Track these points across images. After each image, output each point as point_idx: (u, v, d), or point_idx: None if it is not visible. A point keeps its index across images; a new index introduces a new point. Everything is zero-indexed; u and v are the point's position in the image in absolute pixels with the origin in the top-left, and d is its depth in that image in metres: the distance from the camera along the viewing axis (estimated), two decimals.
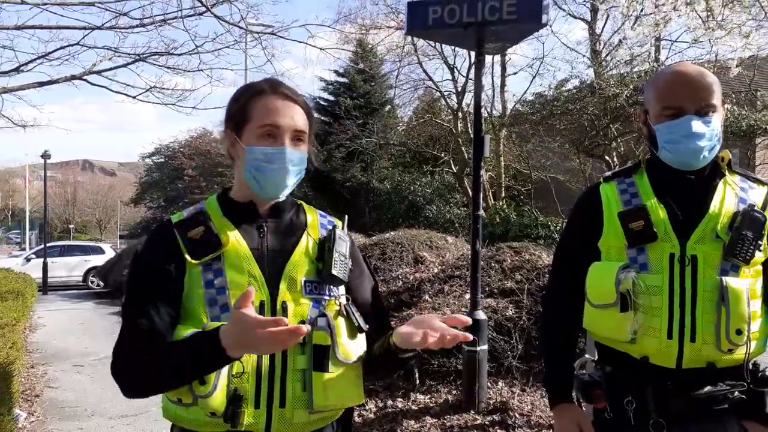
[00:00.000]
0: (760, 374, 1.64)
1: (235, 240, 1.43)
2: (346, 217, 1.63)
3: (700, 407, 1.60)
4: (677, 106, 1.62)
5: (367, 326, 1.46)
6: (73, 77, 8.63)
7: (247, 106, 1.46)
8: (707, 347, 1.58)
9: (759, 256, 1.62)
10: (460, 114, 16.51)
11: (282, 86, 1.49)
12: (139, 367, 1.36)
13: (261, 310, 1.38)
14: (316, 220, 1.55)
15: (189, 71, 8.91)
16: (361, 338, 1.47)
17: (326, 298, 1.45)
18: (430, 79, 18.04)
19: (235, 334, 1.21)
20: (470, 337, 1.34)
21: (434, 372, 5.16)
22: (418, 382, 5.09)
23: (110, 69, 8.87)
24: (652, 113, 1.69)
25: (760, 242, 1.61)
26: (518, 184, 18.54)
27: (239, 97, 1.50)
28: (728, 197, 1.65)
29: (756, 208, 1.63)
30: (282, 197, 1.49)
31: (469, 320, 1.37)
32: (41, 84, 8.65)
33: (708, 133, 1.61)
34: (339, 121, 19.57)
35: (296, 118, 1.46)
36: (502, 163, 17.03)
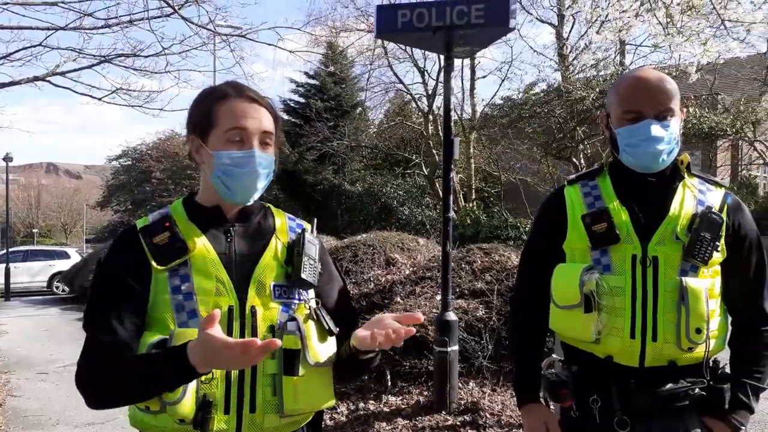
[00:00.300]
0: (719, 371, 1.69)
1: (201, 245, 1.41)
2: (315, 220, 1.62)
3: (663, 404, 1.64)
4: (637, 110, 1.66)
5: (338, 329, 1.46)
6: (36, 78, 8.42)
7: (212, 111, 1.44)
8: (668, 346, 1.61)
9: (717, 257, 1.66)
10: (430, 117, 16.61)
11: (246, 89, 1.47)
12: (105, 379, 1.34)
13: (230, 315, 1.37)
14: (284, 224, 1.54)
15: (156, 73, 8.77)
16: (332, 341, 1.47)
17: (296, 302, 1.44)
18: (401, 82, 18.11)
19: (203, 354, 1.21)
20: (413, 331, 1.35)
21: (406, 373, 5.18)
22: (389, 383, 5.10)
23: (74, 70, 8.68)
24: (614, 117, 1.73)
25: (717, 243, 1.65)
26: (488, 186, 18.73)
27: (202, 101, 1.48)
28: (687, 199, 1.69)
29: (713, 210, 1.67)
30: (251, 201, 1.48)
31: (421, 317, 1.38)
32: (3, 85, 8.42)
33: (667, 136, 1.65)
34: (310, 123, 19.49)
35: (263, 120, 1.45)
36: (473, 166, 17.17)
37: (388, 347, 1.36)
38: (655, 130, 1.64)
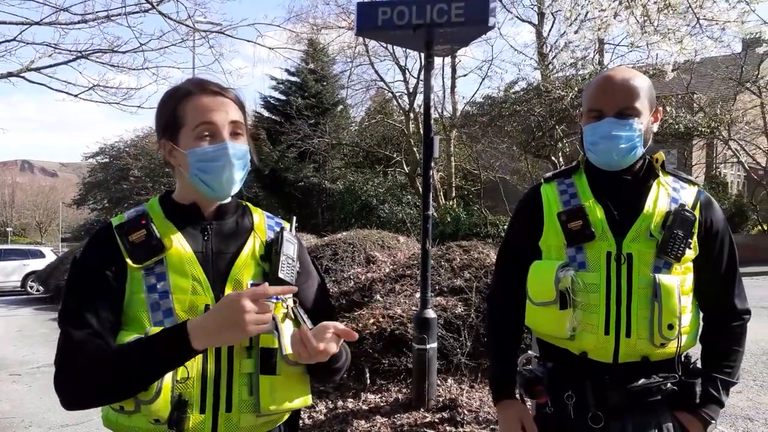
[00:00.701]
0: (691, 366, 1.71)
1: (178, 243, 1.40)
2: (295, 218, 1.61)
3: (636, 399, 1.65)
4: (598, 108, 1.69)
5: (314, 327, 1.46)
6: (10, 74, 8.28)
7: (177, 111, 1.43)
8: (641, 342, 1.63)
9: (689, 254, 1.68)
10: (411, 115, 16.64)
11: (207, 83, 1.46)
12: (83, 375, 1.30)
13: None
14: (263, 222, 1.53)
15: (134, 69, 8.69)
16: None
17: (273, 300, 1.43)
18: (382, 80, 18.16)
19: (223, 317, 1.23)
20: (323, 352, 1.33)
21: (385, 371, 5.18)
22: (368, 381, 5.10)
23: (50, 66, 8.54)
24: (583, 116, 1.77)
25: (690, 240, 1.67)
26: (468, 184, 18.84)
27: (166, 103, 1.47)
28: (661, 197, 1.71)
29: (686, 207, 1.69)
30: (232, 193, 1.47)
31: (355, 336, 1.38)
32: None
33: (626, 135, 1.66)
34: (290, 120, 19.40)
35: (229, 111, 1.44)
36: (453, 164, 17.25)
37: (311, 362, 1.35)
38: (613, 128, 1.66)
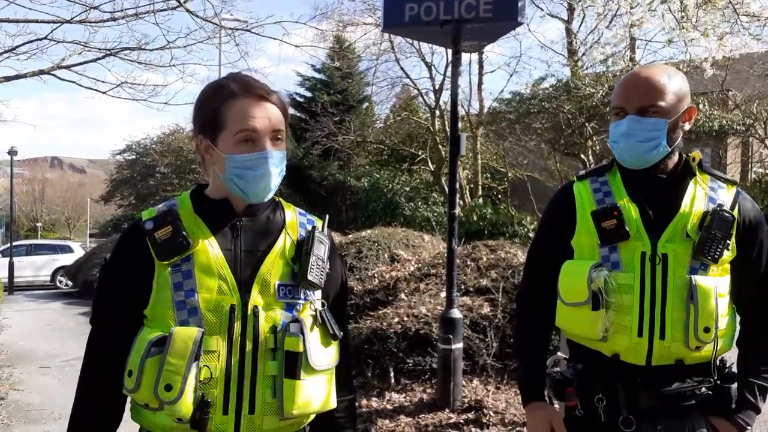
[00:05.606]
0: (726, 371, 1.67)
1: (205, 241, 1.38)
2: (327, 216, 1.56)
3: (669, 403, 1.61)
4: (620, 106, 1.67)
5: (342, 333, 1.43)
6: (42, 72, 8.43)
7: (220, 112, 1.39)
8: (676, 345, 1.59)
9: (727, 255, 1.63)
10: (437, 112, 16.50)
11: (252, 86, 1.42)
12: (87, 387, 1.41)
13: (231, 314, 1.33)
14: (295, 219, 1.49)
15: (161, 66, 8.79)
16: (335, 345, 1.43)
17: (300, 302, 1.40)
18: (408, 76, 18.02)
19: None
20: None
21: (409, 371, 5.16)
22: (392, 381, 5.08)
23: (80, 64, 8.66)
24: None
25: (728, 242, 1.62)
26: (495, 182, 18.65)
27: (208, 101, 1.43)
28: (698, 197, 1.66)
29: (725, 207, 1.64)
30: (266, 200, 1.44)
31: None
32: (8, 78, 8.43)
33: (644, 133, 1.62)
34: (315, 118, 19.42)
35: (273, 118, 1.40)
36: (479, 162, 17.08)
37: None
38: (630, 125, 1.63)
